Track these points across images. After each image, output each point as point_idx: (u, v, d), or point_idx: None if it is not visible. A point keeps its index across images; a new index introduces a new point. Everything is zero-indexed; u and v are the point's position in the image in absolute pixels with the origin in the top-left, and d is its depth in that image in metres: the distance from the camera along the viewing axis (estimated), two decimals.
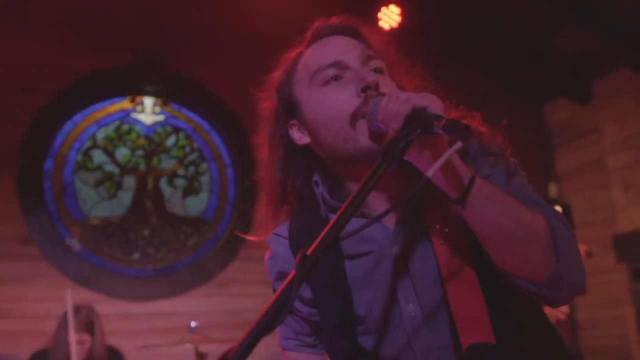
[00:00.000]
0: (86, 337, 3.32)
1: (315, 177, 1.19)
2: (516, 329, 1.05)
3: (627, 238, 4.85)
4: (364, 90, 1.08)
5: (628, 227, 4.86)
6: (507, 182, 1.10)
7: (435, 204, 1.09)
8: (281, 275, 1.24)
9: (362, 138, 1.07)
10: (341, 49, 1.16)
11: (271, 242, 1.25)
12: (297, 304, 1.21)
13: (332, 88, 1.12)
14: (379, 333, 1.12)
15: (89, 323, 3.34)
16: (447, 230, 1.07)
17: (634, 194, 4.86)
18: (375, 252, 1.13)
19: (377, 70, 1.14)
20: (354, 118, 1.08)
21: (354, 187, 1.14)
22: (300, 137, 1.19)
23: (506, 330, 1.03)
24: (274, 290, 1.25)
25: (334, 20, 1.22)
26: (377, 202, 1.13)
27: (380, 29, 1.20)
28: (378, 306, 1.12)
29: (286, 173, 1.22)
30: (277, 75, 1.24)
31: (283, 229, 1.24)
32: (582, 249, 3.33)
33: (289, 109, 1.20)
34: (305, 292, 1.20)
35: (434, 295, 1.08)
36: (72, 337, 3.18)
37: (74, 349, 3.16)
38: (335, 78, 1.12)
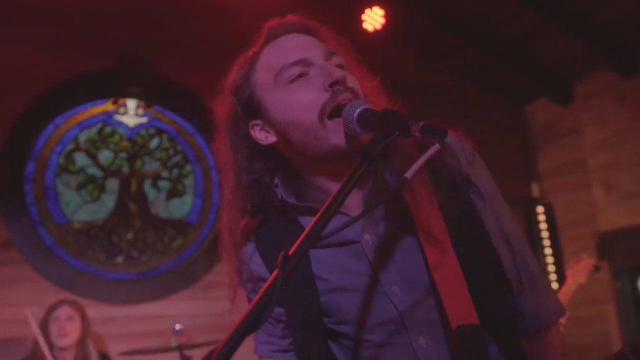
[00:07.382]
0: (76, 314, 3.35)
1: (276, 181, 1.17)
2: (497, 316, 1.11)
3: (608, 237, 4.92)
4: (331, 85, 1.09)
5: (609, 226, 4.92)
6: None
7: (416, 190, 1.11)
8: (250, 278, 1.24)
9: (333, 136, 1.08)
10: (303, 46, 1.15)
11: None
12: None
13: (300, 86, 1.11)
14: (359, 319, 1.12)
15: (79, 307, 3.45)
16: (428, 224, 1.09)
17: (615, 194, 4.92)
18: (342, 244, 1.13)
19: (341, 67, 1.15)
20: (322, 114, 1.08)
21: (323, 185, 1.15)
22: (265, 137, 1.17)
23: (489, 314, 1.08)
24: (247, 292, 1.27)
25: (290, 19, 1.21)
26: (349, 200, 1.11)
27: (334, 30, 1.19)
28: (353, 295, 1.11)
29: (253, 175, 1.19)
30: (232, 78, 1.21)
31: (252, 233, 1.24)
32: (590, 262, 3.42)
33: (249, 110, 1.18)
34: None
35: (419, 274, 1.09)
36: (64, 311, 3.26)
37: (65, 324, 3.24)
38: (301, 76, 1.12)
